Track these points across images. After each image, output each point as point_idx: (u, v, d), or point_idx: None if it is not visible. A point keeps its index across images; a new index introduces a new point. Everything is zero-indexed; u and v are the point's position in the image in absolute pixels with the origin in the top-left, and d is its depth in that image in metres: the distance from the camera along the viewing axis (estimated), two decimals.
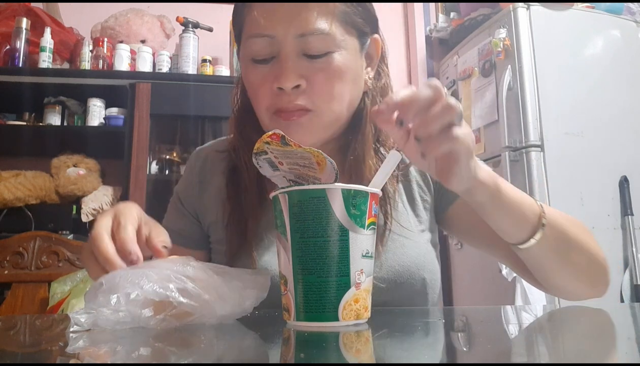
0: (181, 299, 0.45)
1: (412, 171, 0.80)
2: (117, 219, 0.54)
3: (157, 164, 2.24)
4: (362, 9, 0.71)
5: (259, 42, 0.67)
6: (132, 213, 0.55)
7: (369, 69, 0.75)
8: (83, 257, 0.53)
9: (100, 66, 2.22)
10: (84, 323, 0.44)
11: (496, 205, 0.59)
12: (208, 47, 2.42)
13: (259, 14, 0.67)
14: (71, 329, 0.43)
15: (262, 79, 0.68)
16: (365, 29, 0.72)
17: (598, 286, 0.69)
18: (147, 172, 2.08)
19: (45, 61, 2.14)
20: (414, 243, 0.74)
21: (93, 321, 0.44)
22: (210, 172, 0.82)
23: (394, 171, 0.73)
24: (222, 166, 0.81)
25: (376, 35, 0.75)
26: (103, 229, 0.52)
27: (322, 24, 0.65)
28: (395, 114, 0.48)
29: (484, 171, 0.57)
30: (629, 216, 2.00)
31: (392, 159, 0.53)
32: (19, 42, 2.12)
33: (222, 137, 0.87)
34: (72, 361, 0.37)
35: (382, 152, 0.76)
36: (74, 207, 2.03)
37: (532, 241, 0.61)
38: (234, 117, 0.79)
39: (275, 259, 0.70)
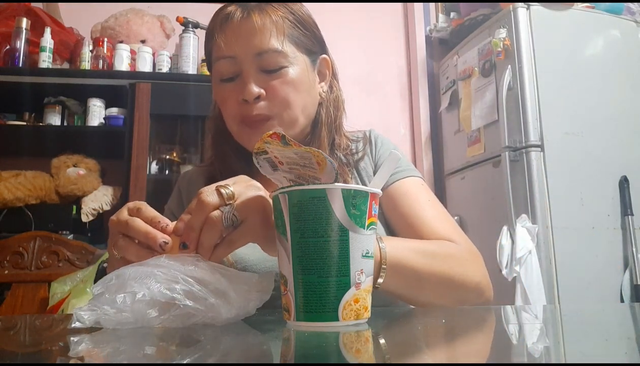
0: (187, 302, 0.45)
1: (364, 162, 0.87)
2: (131, 206, 0.56)
3: (157, 164, 2.24)
4: (309, 33, 0.83)
5: (224, 63, 0.79)
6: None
7: (323, 83, 0.88)
8: (110, 253, 0.56)
9: (100, 66, 2.22)
10: (87, 320, 0.44)
11: None
12: None
13: (221, 40, 0.79)
14: (73, 325, 0.43)
15: (229, 94, 0.80)
16: (314, 49, 0.84)
17: (474, 302, 0.73)
18: (147, 173, 2.08)
19: (45, 61, 2.14)
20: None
21: (95, 319, 0.44)
22: (193, 191, 0.92)
23: (349, 164, 0.85)
24: (200, 183, 0.90)
25: (325, 56, 0.88)
26: (124, 212, 0.55)
27: (275, 44, 0.77)
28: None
29: None
30: (629, 216, 2.00)
31: (392, 159, 0.53)
32: (19, 42, 2.12)
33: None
34: (72, 361, 0.37)
35: (337, 154, 0.87)
36: (74, 207, 2.03)
37: (379, 281, 0.64)
38: (211, 137, 0.92)
39: (249, 252, 0.76)
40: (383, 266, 0.63)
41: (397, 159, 0.53)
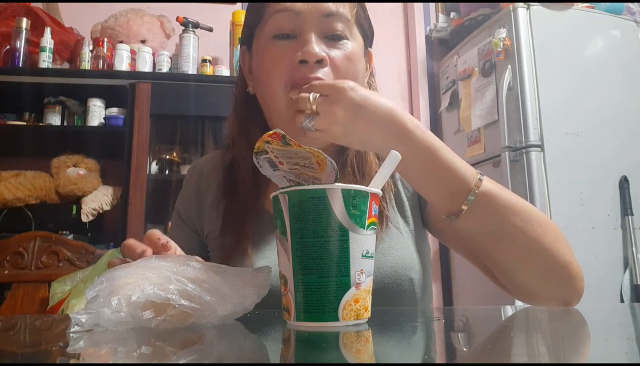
0: (182, 301, 0.45)
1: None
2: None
3: (157, 164, 2.24)
4: (367, 19, 0.78)
5: (284, 16, 0.69)
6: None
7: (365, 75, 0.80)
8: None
9: (100, 66, 2.22)
10: (85, 324, 0.44)
11: (422, 168, 0.60)
12: (208, 47, 2.42)
13: None
14: (72, 329, 0.43)
15: (283, 53, 0.69)
16: (369, 37, 0.79)
17: (559, 287, 0.64)
18: (147, 172, 2.07)
19: (45, 61, 2.14)
20: (401, 243, 0.75)
21: (94, 322, 0.44)
22: (205, 184, 0.84)
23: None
24: (216, 176, 0.83)
25: (370, 50, 0.81)
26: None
27: (345, 11, 0.71)
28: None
29: (420, 131, 0.59)
30: (629, 216, 2.00)
31: (392, 159, 0.53)
32: (19, 42, 2.12)
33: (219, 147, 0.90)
34: (72, 361, 0.37)
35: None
36: (74, 207, 2.03)
37: (463, 208, 0.59)
38: (234, 112, 0.82)
39: (271, 259, 0.72)
40: (475, 190, 0.58)
41: (398, 159, 0.53)
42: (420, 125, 0.60)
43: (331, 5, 0.69)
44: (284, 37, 0.70)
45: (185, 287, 0.46)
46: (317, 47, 0.67)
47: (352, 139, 0.60)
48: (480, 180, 0.60)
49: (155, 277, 0.46)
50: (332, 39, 0.70)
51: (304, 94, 0.58)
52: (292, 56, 0.68)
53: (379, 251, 0.72)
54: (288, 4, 0.69)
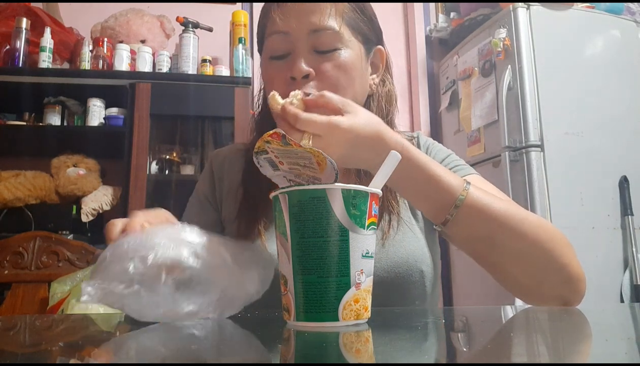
0: (193, 262, 0.46)
1: None
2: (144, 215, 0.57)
3: (157, 164, 2.24)
4: (367, 19, 0.79)
5: (276, 39, 0.76)
6: (160, 215, 0.60)
7: (375, 76, 0.83)
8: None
9: (100, 66, 2.22)
10: (94, 296, 0.44)
11: (408, 182, 0.63)
12: (208, 47, 2.42)
13: (276, 15, 0.76)
14: (82, 299, 0.43)
15: (277, 72, 0.76)
16: (371, 37, 0.80)
17: (556, 288, 0.66)
18: (147, 172, 2.08)
19: (45, 61, 2.14)
20: (412, 236, 0.78)
21: (103, 294, 0.44)
22: (227, 171, 0.89)
23: None
24: (238, 164, 0.88)
25: (381, 47, 0.83)
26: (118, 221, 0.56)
27: (332, 23, 0.74)
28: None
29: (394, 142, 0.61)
30: (629, 216, 2.00)
31: (392, 159, 0.53)
32: (19, 42, 2.12)
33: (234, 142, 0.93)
34: (72, 361, 0.37)
35: None
36: (74, 207, 2.03)
37: (449, 218, 0.63)
38: (255, 120, 0.87)
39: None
40: (458, 202, 0.61)
41: (398, 159, 0.53)
42: (405, 142, 0.63)
43: (316, 21, 0.73)
44: (278, 58, 0.76)
45: (201, 252, 0.47)
46: (304, 64, 0.73)
47: (346, 163, 0.63)
48: (465, 190, 0.63)
49: (167, 241, 0.47)
50: (322, 52, 0.74)
51: (297, 134, 0.58)
52: (284, 74, 0.74)
53: (390, 242, 0.75)
54: (278, 27, 0.75)
